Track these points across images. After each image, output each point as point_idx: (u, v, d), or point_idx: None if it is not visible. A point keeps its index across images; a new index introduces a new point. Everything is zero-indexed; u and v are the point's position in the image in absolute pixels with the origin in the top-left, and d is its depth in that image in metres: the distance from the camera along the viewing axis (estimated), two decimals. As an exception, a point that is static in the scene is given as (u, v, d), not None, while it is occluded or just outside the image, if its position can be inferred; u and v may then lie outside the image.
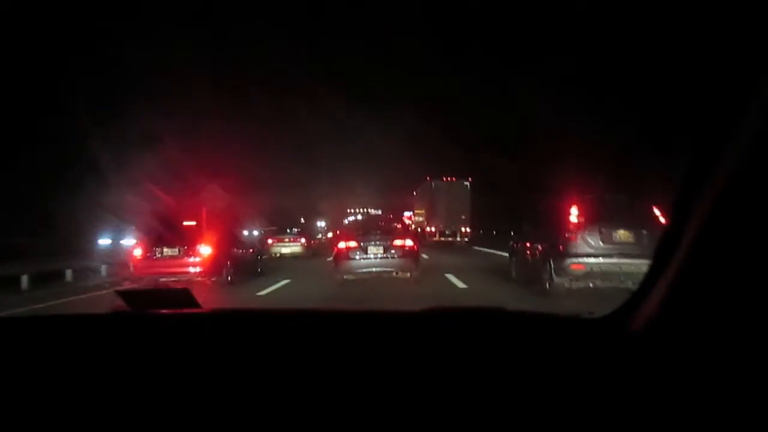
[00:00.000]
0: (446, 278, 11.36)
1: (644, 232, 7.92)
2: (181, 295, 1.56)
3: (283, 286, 11.29)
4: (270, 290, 10.70)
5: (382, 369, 1.11)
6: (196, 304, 1.56)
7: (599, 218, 8.15)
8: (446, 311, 1.46)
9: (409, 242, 10.67)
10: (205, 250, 11.36)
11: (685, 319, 1.03)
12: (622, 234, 8.02)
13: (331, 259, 11.94)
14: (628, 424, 0.94)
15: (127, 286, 11.33)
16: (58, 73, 18.36)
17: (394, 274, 10.51)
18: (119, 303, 1.54)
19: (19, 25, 18.16)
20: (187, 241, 11.39)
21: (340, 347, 1.23)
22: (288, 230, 23.33)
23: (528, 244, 10.06)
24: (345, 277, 10.62)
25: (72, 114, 18.12)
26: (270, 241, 21.96)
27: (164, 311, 1.52)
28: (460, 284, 10.48)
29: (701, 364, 0.98)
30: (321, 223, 32.24)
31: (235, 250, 12.57)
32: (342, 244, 10.86)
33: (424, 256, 14.42)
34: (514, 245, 11.17)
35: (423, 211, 31.23)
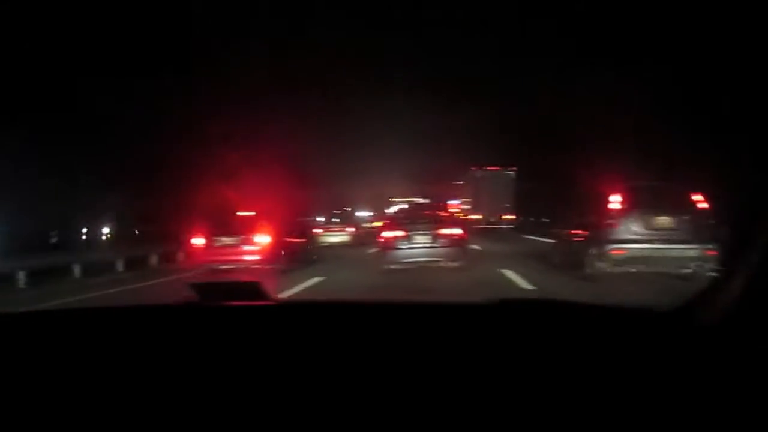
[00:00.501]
0: (489, 264, 11.62)
1: (684, 218, 8.15)
2: (253, 288, 1.55)
3: (336, 274, 11.55)
4: (323, 278, 10.70)
5: (454, 363, 1.11)
6: (267, 297, 1.57)
7: (640, 205, 8.39)
8: (513, 303, 1.43)
9: (457, 231, 10.49)
10: (263, 239, 11.88)
11: (761, 318, 1.02)
12: (662, 220, 8.25)
13: (375, 249, 11.96)
14: (709, 418, 0.93)
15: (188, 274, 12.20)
16: (122, 71, 19.51)
17: (441, 263, 10.29)
18: (190, 294, 1.55)
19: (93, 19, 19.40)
20: (245, 230, 11.94)
21: (412, 339, 1.23)
22: (333, 220, 23.99)
23: (571, 231, 10.33)
24: (391, 266, 10.47)
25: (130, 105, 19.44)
26: (319, 230, 22.63)
27: (235, 303, 1.52)
28: (506, 271, 10.37)
29: None
30: (367, 213, 32.83)
31: (291, 238, 13.02)
32: (388, 233, 10.72)
33: (474, 247, 14.33)
34: (558, 232, 11.46)
35: (469, 199, 31.69)
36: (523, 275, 9.64)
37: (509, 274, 9.94)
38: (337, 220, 24.71)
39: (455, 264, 10.27)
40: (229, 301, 1.53)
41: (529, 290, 8.09)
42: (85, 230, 19.44)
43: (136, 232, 19.68)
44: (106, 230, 19.87)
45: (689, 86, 16.03)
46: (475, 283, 8.98)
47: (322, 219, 24.70)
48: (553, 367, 1.07)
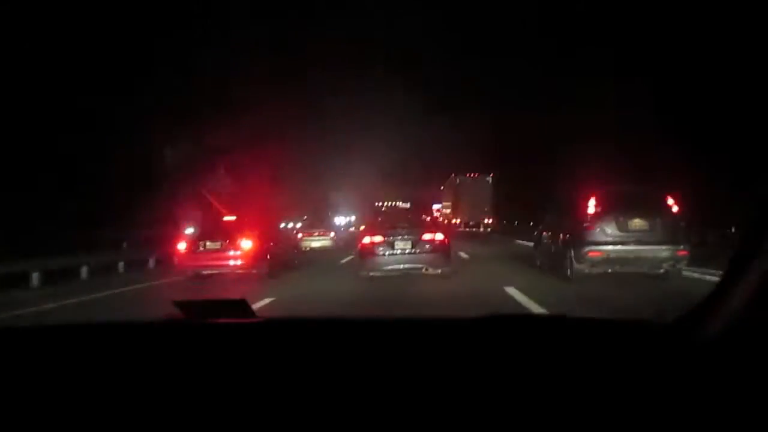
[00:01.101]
0: (472, 267, 11.84)
1: (658, 220, 8.51)
2: (238, 306, 1.53)
3: (318, 281, 11.61)
4: (306, 285, 10.71)
5: (444, 383, 1.09)
6: (252, 314, 1.55)
7: (615, 208, 8.71)
8: (506, 319, 1.39)
9: (439, 236, 10.00)
10: (246, 243, 11.84)
11: (760, 332, 1.02)
12: (637, 222, 8.58)
13: (351, 257, 11.60)
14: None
15: (173, 278, 12.21)
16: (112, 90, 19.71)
17: (424, 270, 9.86)
18: (174, 311, 1.53)
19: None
20: (229, 235, 11.91)
21: (399, 357, 1.21)
22: (315, 225, 24.04)
23: (550, 233, 10.63)
24: (371, 274, 10.00)
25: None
26: (300, 235, 22.63)
27: (219, 320, 1.50)
28: (492, 274, 10.54)
29: None
30: (351, 218, 32.98)
31: (274, 243, 13.02)
32: (367, 239, 10.16)
33: (462, 254, 14.12)
34: (538, 234, 11.76)
35: (450, 204, 32.39)
36: (496, 271, 9.85)
37: (511, 290, 8.53)
38: (320, 224, 24.75)
39: (438, 271, 9.88)
40: (213, 318, 1.51)
41: (524, 300, 7.42)
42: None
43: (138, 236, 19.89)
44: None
45: (664, 94, 16.57)
46: (469, 292, 8.49)
47: (305, 223, 24.72)
48: (549, 385, 1.06)
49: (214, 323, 1.51)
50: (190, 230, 12.76)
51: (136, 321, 1.68)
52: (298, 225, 24.79)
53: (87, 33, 20.06)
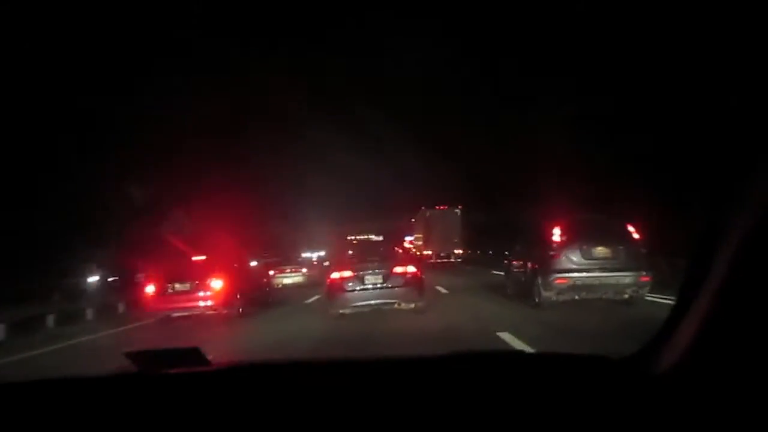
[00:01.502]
0: (446, 300, 11.92)
1: (621, 248, 8.81)
2: (191, 354, 1.51)
3: (291, 317, 11.47)
4: (279, 323, 10.65)
5: (411, 421, 1.09)
6: (206, 362, 1.53)
7: (580, 237, 8.99)
8: (466, 357, 1.40)
9: (411, 268, 9.64)
10: (216, 283, 11.66)
11: (713, 361, 1.03)
12: (600, 250, 8.87)
13: (318, 296, 11.06)
14: None
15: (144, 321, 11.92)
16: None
17: (396, 305, 9.43)
18: (125, 363, 1.51)
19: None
20: (198, 276, 11.69)
21: (359, 400, 1.21)
22: (281, 259, 23.87)
23: (520, 262, 10.85)
24: (341, 311, 9.52)
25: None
26: (272, 272, 22.37)
27: (172, 371, 1.48)
28: (461, 304, 10.59)
29: (730, 406, 0.98)
30: (321, 253, 32.84)
31: (245, 282, 12.86)
32: (335, 274, 9.70)
33: (440, 289, 13.74)
34: (508, 264, 11.97)
35: (421, 236, 32.76)
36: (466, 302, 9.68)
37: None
38: (292, 261, 24.54)
39: (411, 306, 9.49)
40: (166, 368, 1.49)
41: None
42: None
43: (110, 280, 19.48)
44: (92, 279, 19.64)
45: (624, 125, 17.24)
46: (443, 326, 8.20)
47: (276, 261, 24.49)
48: (509, 420, 1.06)
49: (165, 374, 1.47)
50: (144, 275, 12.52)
51: (87, 376, 1.62)
52: (269, 262, 24.54)
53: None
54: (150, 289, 11.92)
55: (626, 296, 8.71)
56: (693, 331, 1.07)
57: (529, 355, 1.57)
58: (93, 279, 19.18)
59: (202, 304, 11.63)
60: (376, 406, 1.16)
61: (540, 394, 1.17)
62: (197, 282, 11.71)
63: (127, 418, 1.22)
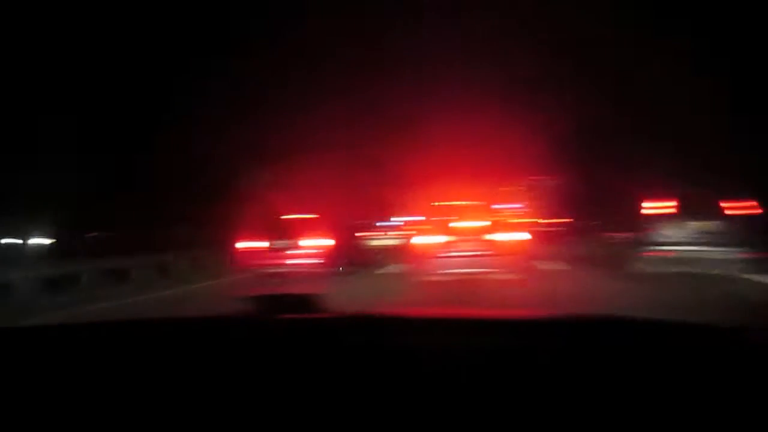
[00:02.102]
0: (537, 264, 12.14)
1: (717, 223, 8.81)
2: (312, 300, 1.51)
3: (388, 279, 11.74)
4: (379, 283, 11.00)
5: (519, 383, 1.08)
6: (325, 309, 1.52)
7: (676, 210, 9.09)
8: (577, 319, 1.39)
9: (516, 236, 9.09)
10: (323, 242, 11.88)
11: None
12: (695, 224, 8.93)
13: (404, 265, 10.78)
14: None
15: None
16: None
17: (493, 275, 8.80)
18: (247, 306, 1.49)
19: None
20: (307, 234, 11.89)
21: (471, 353, 1.20)
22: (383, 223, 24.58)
23: (612, 234, 11.04)
24: (430, 278, 9.00)
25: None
26: (366, 233, 22.96)
27: (293, 315, 1.46)
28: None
29: None
30: (414, 217, 33.38)
31: (347, 242, 13.07)
32: (425, 239, 9.25)
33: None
34: (600, 235, 12.16)
35: (524, 204, 33.07)
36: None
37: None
38: (384, 222, 25.21)
39: (511, 276, 8.83)
40: (286, 313, 1.47)
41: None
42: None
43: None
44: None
45: (734, 93, 16.20)
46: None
47: (369, 222, 25.25)
48: (618, 386, 1.06)
49: (287, 318, 1.46)
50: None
51: (210, 317, 1.62)
52: (362, 223, 25.39)
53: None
54: (249, 244, 11.92)
55: (720, 272, 8.68)
56: None
57: (640, 321, 1.47)
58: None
59: (308, 261, 11.66)
60: (490, 366, 1.15)
61: (647, 361, 1.15)
62: (304, 239, 11.88)
63: (241, 360, 1.22)
